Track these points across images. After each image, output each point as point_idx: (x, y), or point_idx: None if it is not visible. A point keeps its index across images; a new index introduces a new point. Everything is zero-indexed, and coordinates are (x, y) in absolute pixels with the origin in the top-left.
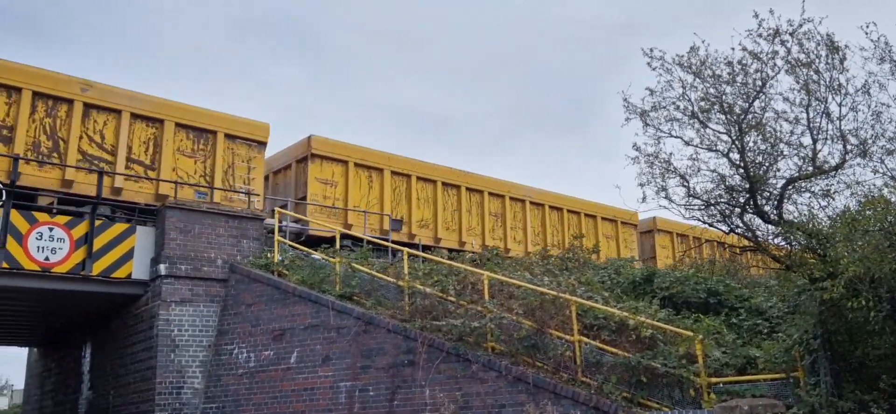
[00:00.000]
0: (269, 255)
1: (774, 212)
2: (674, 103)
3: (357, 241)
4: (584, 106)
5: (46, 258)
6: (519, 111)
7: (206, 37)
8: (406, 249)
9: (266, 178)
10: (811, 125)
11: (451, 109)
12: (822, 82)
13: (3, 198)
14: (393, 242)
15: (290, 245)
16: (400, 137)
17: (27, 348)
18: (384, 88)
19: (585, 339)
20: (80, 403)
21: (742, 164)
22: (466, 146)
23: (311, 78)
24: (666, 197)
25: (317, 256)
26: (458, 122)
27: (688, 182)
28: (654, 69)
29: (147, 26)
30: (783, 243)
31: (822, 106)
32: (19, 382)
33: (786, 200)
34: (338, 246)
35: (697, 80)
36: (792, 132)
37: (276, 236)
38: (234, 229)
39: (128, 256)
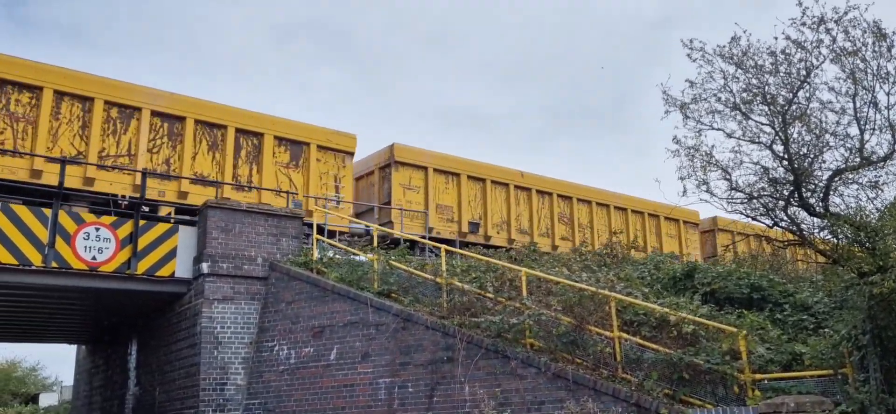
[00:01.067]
0: (307, 253)
1: (820, 204)
2: (715, 95)
3: None
4: (620, 101)
5: (93, 258)
6: (556, 108)
7: (250, 44)
8: (444, 246)
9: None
10: (858, 115)
11: (488, 107)
12: (869, 71)
13: None
14: None
15: (328, 243)
16: (439, 136)
17: (75, 346)
18: (421, 88)
19: (625, 335)
20: (127, 399)
21: (786, 156)
22: (503, 144)
23: (351, 80)
24: (707, 190)
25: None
26: (495, 120)
27: (730, 175)
28: (694, 61)
29: (191, 35)
30: (829, 237)
31: (870, 95)
32: (68, 380)
33: (832, 193)
34: None
35: (739, 70)
36: (838, 123)
37: (315, 235)
38: (274, 228)
39: (171, 255)
